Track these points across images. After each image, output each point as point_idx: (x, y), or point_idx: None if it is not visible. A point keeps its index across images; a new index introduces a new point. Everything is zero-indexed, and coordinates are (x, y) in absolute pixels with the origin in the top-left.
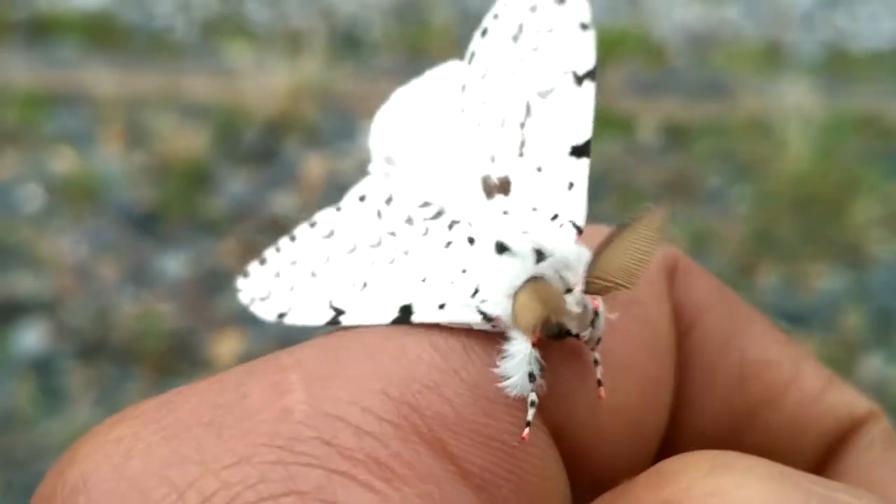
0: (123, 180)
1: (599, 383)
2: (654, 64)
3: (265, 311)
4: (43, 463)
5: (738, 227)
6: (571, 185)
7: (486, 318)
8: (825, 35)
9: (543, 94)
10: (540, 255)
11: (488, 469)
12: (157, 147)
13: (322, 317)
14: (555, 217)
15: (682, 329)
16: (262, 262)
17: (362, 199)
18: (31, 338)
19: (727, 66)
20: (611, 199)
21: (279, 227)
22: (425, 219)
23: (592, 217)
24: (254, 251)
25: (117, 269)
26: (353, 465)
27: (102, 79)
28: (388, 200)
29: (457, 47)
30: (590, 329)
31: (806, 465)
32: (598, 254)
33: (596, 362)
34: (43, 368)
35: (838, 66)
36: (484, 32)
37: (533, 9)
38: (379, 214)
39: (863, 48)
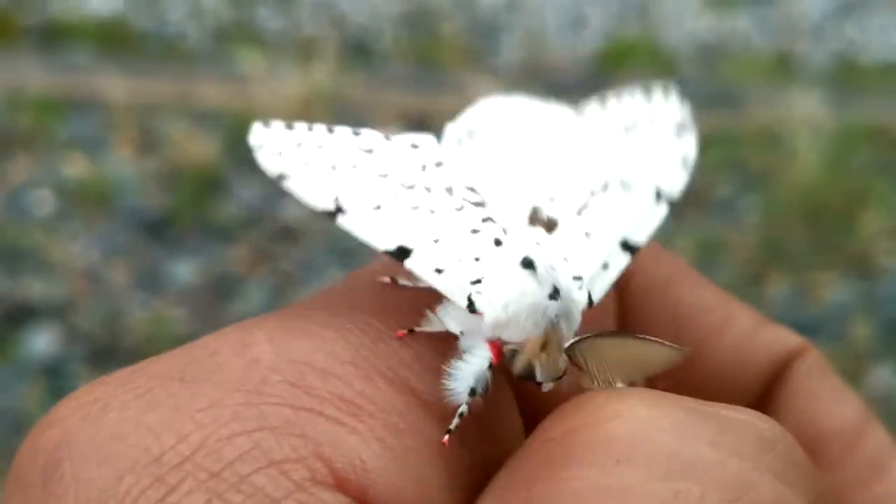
0: (135, 186)
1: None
2: (664, 74)
3: (269, 162)
4: None
5: (748, 236)
6: (606, 265)
7: (472, 307)
8: (835, 46)
9: (625, 186)
10: (554, 293)
11: (449, 402)
12: (169, 153)
13: (322, 203)
14: (578, 278)
15: (621, 280)
16: (290, 126)
17: (415, 146)
18: (42, 341)
19: (737, 77)
20: None
21: (290, 234)
22: (465, 198)
23: None
24: (265, 258)
25: (128, 274)
26: (319, 403)
27: (115, 85)
28: (439, 164)
29: (466, 56)
30: (551, 384)
31: (749, 400)
32: (600, 336)
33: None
34: (53, 372)
35: (848, 77)
36: (603, 104)
37: (652, 121)
38: (424, 168)
39: (873, 60)
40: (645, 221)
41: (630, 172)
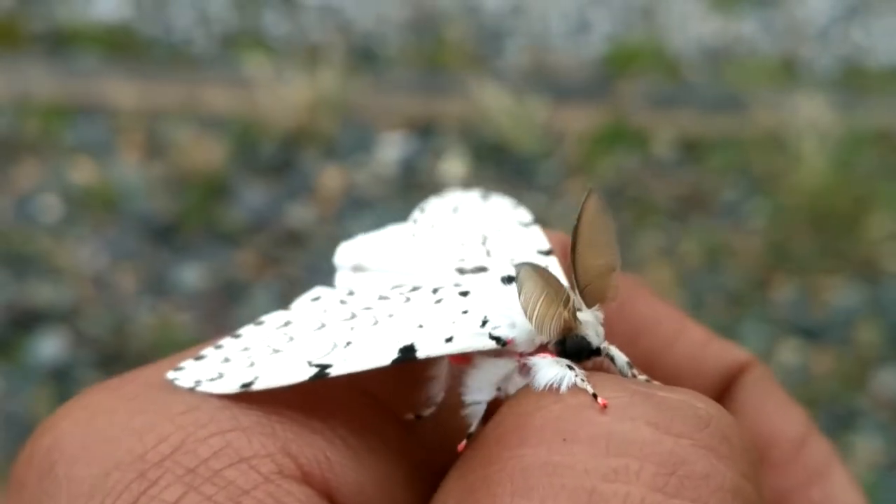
0: (142, 191)
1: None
2: (670, 78)
3: (221, 387)
4: None
5: (753, 241)
6: (547, 266)
7: (500, 342)
8: (841, 50)
9: (496, 230)
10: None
11: (411, 408)
12: (176, 158)
13: (302, 374)
14: None
15: None
16: (200, 358)
17: (316, 299)
18: (50, 347)
19: (742, 81)
20: (626, 213)
21: (296, 239)
22: (402, 293)
23: None
24: (271, 262)
25: (136, 280)
26: (288, 406)
27: (122, 90)
28: (350, 293)
29: (471, 61)
30: (606, 343)
31: None
32: (573, 261)
33: (649, 380)
34: (61, 377)
35: (854, 81)
36: (422, 210)
37: (463, 200)
38: (343, 302)
39: (878, 63)
40: (536, 236)
41: (490, 223)
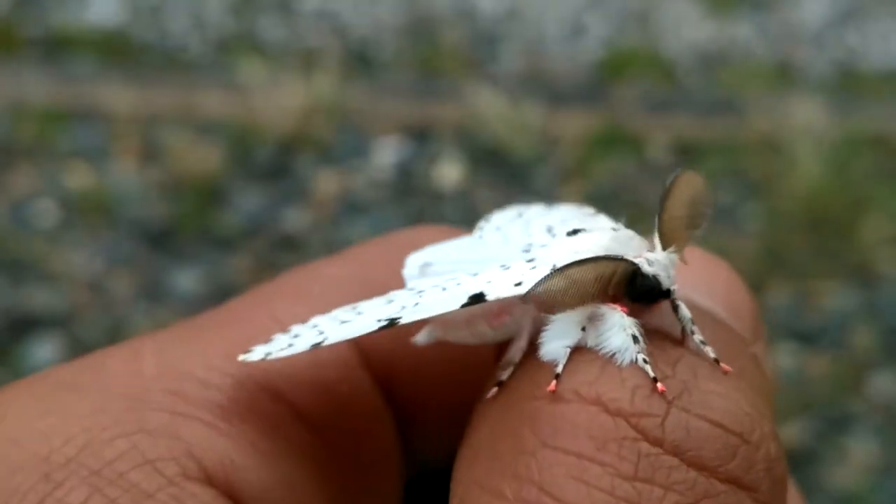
0: (137, 196)
1: (717, 362)
2: (665, 82)
3: (292, 350)
4: None
5: (749, 245)
6: (615, 229)
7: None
8: (836, 54)
9: (561, 221)
10: (615, 230)
11: (321, 412)
12: (171, 163)
13: (371, 326)
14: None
15: None
16: (269, 341)
17: (390, 301)
18: (45, 352)
19: (737, 85)
20: (621, 217)
21: (291, 243)
22: (469, 272)
23: None
24: (266, 267)
25: (131, 285)
26: (196, 409)
27: (117, 95)
28: (412, 289)
29: (467, 66)
30: (676, 286)
31: None
32: (662, 204)
33: (703, 343)
34: None
35: (849, 85)
36: (487, 219)
37: (527, 208)
38: (413, 289)
39: (873, 67)
40: (603, 220)
41: (555, 219)
